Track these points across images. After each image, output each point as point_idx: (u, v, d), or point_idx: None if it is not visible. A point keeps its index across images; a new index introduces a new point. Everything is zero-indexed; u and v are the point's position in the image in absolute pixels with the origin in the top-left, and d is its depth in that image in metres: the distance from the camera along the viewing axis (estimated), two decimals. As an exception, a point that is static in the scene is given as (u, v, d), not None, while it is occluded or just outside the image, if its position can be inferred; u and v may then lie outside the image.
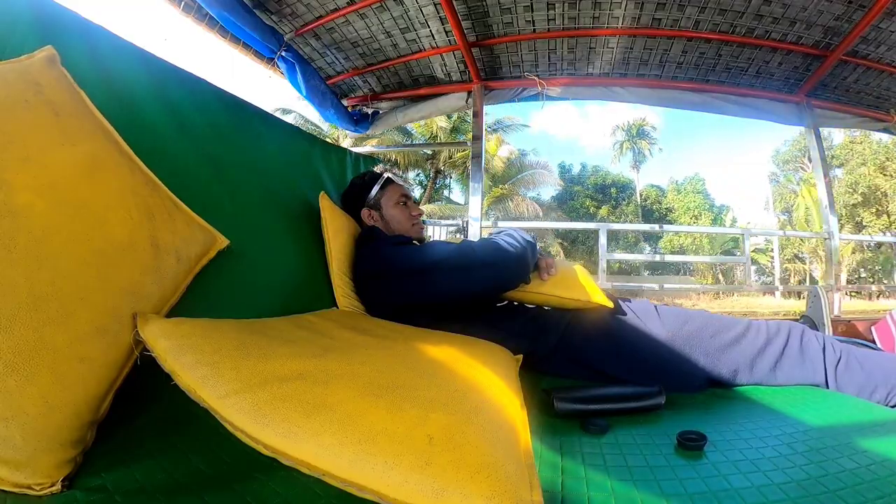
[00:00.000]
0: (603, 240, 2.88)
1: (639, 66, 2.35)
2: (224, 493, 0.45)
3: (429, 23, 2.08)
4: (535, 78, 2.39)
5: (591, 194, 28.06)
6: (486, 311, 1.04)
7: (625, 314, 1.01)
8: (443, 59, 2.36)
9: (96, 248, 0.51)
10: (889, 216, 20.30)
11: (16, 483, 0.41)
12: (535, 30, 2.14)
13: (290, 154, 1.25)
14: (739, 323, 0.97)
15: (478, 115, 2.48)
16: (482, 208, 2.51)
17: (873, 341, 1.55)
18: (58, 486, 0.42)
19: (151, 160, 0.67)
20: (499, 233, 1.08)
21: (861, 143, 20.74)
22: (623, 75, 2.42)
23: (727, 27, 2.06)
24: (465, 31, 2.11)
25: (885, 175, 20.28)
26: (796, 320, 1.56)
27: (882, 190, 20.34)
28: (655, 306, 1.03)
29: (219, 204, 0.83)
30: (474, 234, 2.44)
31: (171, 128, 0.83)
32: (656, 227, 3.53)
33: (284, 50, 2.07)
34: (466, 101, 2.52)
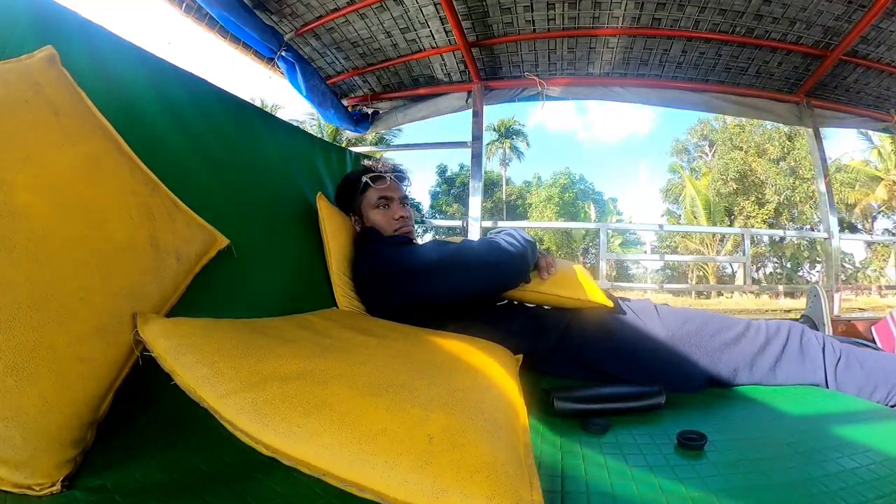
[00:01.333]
0: (603, 239, 2.88)
1: (639, 66, 2.35)
2: (224, 493, 0.45)
3: (429, 23, 2.08)
4: (535, 78, 2.39)
5: (458, 193, 28.79)
6: (485, 310, 1.04)
7: (624, 314, 1.01)
8: (443, 59, 2.36)
9: (96, 249, 0.51)
10: (770, 205, 19.38)
11: (16, 483, 0.41)
12: (535, 30, 2.14)
13: (290, 154, 1.25)
14: (739, 322, 0.97)
15: (478, 115, 2.48)
16: (482, 208, 2.51)
17: (873, 341, 1.55)
18: (58, 486, 0.42)
19: (151, 160, 0.67)
20: (498, 232, 1.08)
21: (744, 128, 19.89)
22: (623, 75, 2.42)
23: (727, 27, 2.06)
24: (465, 31, 2.11)
25: (762, 158, 19.27)
26: (796, 320, 1.56)
27: (757, 175, 19.34)
28: (655, 306, 1.03)
29: (219, 204, 0.83)
30: (474, 234, 2.44)
31: (171, 128, 0.83)
32: (656, 226, 3.53)
33: (284, 50, 2.07)
34: (466, 101, 2.52)
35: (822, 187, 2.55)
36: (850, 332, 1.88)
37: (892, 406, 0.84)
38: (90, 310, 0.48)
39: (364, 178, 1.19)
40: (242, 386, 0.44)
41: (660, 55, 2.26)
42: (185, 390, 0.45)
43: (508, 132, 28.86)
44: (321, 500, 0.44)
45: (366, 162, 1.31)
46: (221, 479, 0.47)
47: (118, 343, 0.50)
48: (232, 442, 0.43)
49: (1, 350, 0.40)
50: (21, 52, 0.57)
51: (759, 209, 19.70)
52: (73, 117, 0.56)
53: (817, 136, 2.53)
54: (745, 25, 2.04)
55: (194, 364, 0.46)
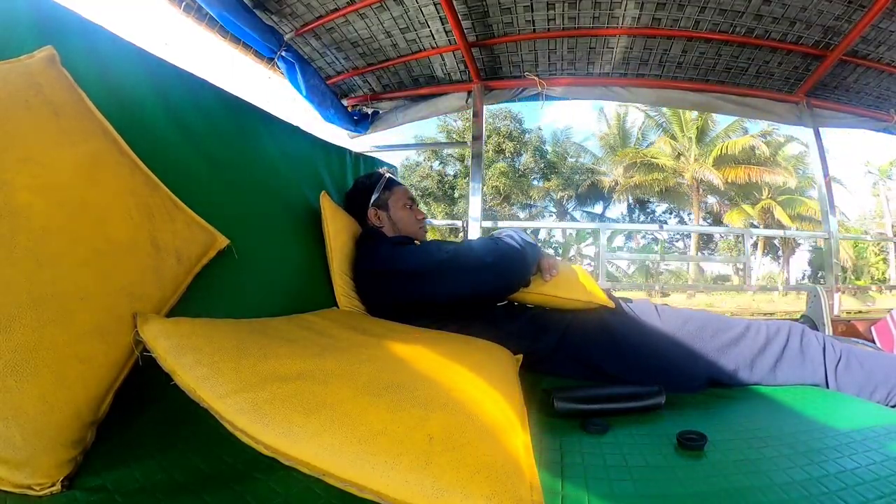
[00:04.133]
0: (603, 240, 2.89)
1: (639, 66, 2.35)
2: (224, 493, 0.45)
3: (429, 23, 2.08)
4: (535, 78, 2.39)
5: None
6: (486, 310, 1.04)
7: (625, 314, 1.01)
8: (443, 59, 2.36)
9: (96, 248, 0.51)
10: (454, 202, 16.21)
11: (16, 483, 0.41)
12: (535, 30, 2.14)
13: (290, 154, 1.25)
14: (739, 323, 0.97)
15: (478, 115, 2.48)
16: (482, 208, 2.51)
17: (873, 341, 1.55)
18: (58, 486, 0.42)
19: (151, 160, 0.67)
20: (500, 233, 1.08)
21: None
22: (623, 75, 2.42)
23: (727, 27, 2.06)
24: (465, 31, 2.11)
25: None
26: (796, 320, 1.56)
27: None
28: (656, 306, 1.03)
29: (219, 204, 0.83)
30: (474, 235, 2.44)
31: (171, 128, 0.83)
32: (656, 225, 3.53)
33: (284, 50, 2.06)
34: (466, 101, 2.52)
35: (822, 187, 2.55)
36: (850, 332, 1.88)
37: (892, 406, 0.84)
38: (90, 310, 0.48)
39: (389, 175, 1.28)
40: (242, 386, 0.44)
41: (660, 55, 2.26)
42: (185, 390, 0.45)
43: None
44: (321, 500, 0.44)
45: (382, 169, 1.37)
46: (221, 479, 0.47)
47: (118, 343, 0.50)
48: (232, 442, 0.43)
49: (1, 350, 0.40)
50: (21, 52, 0.57)
51: (435, 203, 16.98)
52: (73, 117, 0.56)
53: (817, 137, 2.53)
54: (745, 25, 2.04)
55: (194, 364, 0.46)
